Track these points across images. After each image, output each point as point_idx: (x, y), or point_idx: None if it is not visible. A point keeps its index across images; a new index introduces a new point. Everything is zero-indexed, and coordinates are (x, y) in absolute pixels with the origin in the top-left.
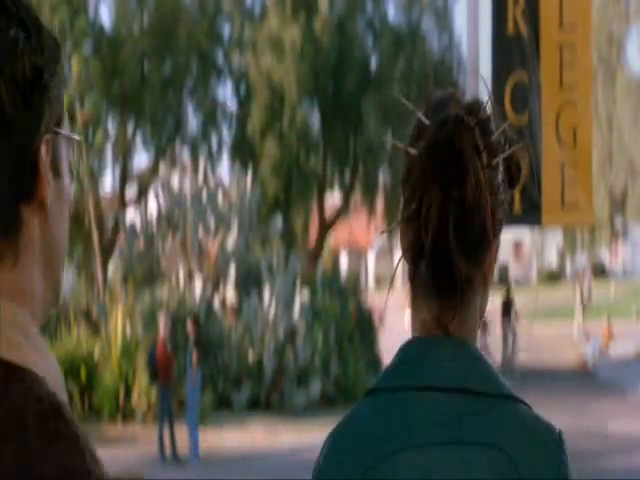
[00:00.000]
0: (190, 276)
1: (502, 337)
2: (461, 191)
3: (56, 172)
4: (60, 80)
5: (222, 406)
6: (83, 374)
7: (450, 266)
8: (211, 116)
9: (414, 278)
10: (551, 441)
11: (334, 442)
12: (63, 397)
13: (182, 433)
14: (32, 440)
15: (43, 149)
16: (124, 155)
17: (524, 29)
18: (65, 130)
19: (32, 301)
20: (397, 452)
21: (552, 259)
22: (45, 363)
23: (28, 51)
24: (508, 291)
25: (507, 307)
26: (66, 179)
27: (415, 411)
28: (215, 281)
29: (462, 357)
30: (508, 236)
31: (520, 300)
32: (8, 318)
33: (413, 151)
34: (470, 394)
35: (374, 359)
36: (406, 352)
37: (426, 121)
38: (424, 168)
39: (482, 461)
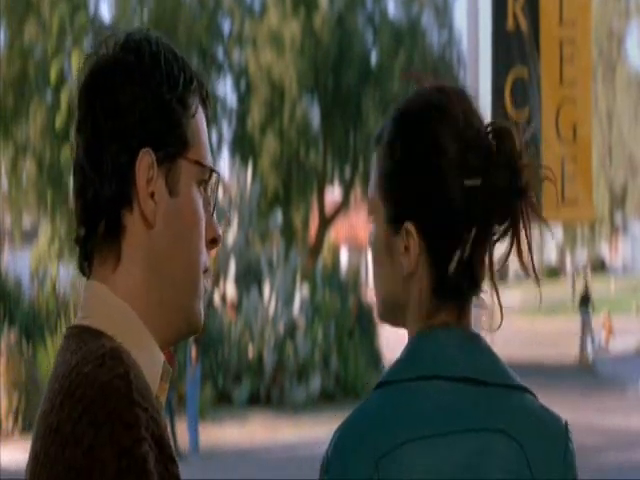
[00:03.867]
0: None
1: (581, 327)
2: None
3: (172, 191)
4: (190, 112)
5: (222, 401)
6: None
7: (475, 276)
8: (211, 111)
9: (440, 281)
10: (558, 430)
11: (343, 435)
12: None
13: (182, 428)
14: (89, 370)
15: (140, 162)
16: None
17: (524, 24)
18: (197, 158)
19: (134, 305)
20: (407, 443)
21: (552, 255)
22: (141, 353)
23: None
24: (587, 284)
25: (585, 299)
26: (188, 201)
27: (424, 401)
28: (215, 276)
29: (471, 348)
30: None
31: (520, 295)
32: (106, 300)
33: (474, 183)
34: (479, 384)
35: (374, 355)
36: (415, 343)
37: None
38: (483, 208)
39: (491, 447)
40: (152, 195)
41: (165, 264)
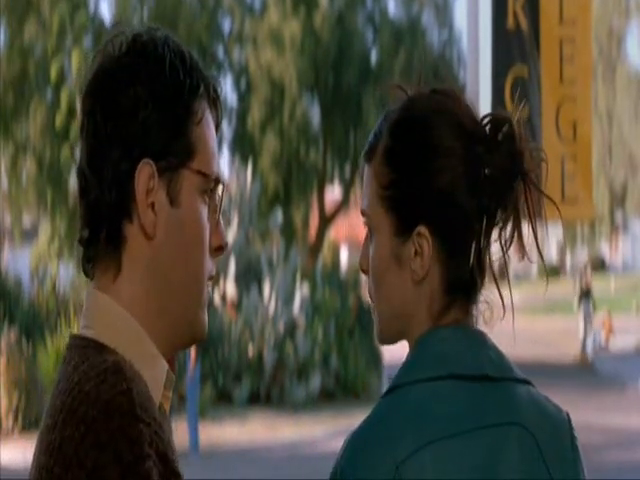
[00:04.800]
0: None
1: (583, 322)
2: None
3: (174, 202)
4: (195, 124)
5: (222, 400)
6: None
7: (484, 265)
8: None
9: (454, 277)
10: (562, 419)
11: (357, 442)
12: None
13: (182, 427)
14: (91, 387)
15: (140, 174)
16: None
17: (524, 23)
18: (203, 168)
19: (136, 314)
20: (426, 446)
21: (552, 253)
22: (143, 363)
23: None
24: (587, 279)
25: (586, 295)
26: (190, 212)
27: (440, 402)
28: (215, 275)
29: (478, 344)
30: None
31: (520, 294)
32: (109, 310)
33: (489, 171)
34: (490, 380)
35: (374, 353)
36: (424, 344)
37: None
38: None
39: (509, 439)
40: (152, 206)
41: (167, 274)
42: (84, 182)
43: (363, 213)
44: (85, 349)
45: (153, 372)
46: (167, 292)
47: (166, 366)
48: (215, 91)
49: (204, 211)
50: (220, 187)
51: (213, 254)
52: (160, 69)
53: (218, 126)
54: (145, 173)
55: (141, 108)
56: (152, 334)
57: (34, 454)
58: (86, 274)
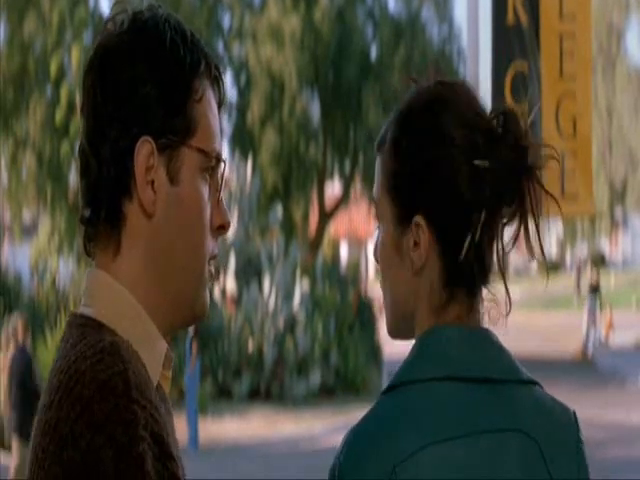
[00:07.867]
0: None
1: (587, 315)
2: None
3: (173, 180)
4: (196, 102)
5: (222, 396)
6: None
7: (485, 261)
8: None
9: (452, 269)
10: (568, 421)
11: (356, 440)
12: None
13: (181, 423)
14: (87, 367)
15: (139, 151)
16: None
17: (524, 19)
18: (203, 146)
19: (135, 292)
20: (424, 448)
21: (552, 249)
22: (142, 342)
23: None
24: (597, 275)
25: (593, 291)
26: (190, 190)
27: (438, 404)
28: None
29: (481, 345)
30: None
31: (520, 290)
32: (108, 290)
33: (482, 163)
34: (491, 382)
35: (374, 349)
36: (425, 342)
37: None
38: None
39: (510, 446)
40: (152, 184)
41: (167, 253)
42: (85, 161)
43: (373, 203)
44: (83, 327)
45: (152, 352)
46: (167, 270)
47: (165, 346)
48: (217, 69)
49: (205, 189)
50: (222, 166)
51: (215, 233)
52: (160, 46)
53: (221, 105)
54: (144, 150)
55: (140, 85)
56: (152, 312)
57: (32, 434)
58: (88, 254)
